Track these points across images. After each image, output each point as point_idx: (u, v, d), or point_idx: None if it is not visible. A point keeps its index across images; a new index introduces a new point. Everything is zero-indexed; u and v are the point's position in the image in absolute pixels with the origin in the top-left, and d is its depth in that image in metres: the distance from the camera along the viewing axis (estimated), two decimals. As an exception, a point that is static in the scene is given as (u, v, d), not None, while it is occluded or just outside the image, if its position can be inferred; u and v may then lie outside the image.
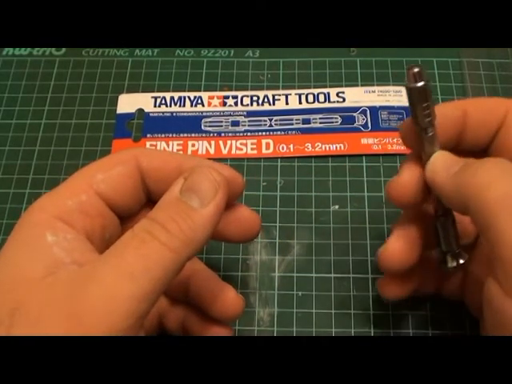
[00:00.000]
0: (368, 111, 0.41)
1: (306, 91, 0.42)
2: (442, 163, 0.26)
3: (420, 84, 0.24)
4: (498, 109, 0.27)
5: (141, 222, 0.22)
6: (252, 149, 0.40)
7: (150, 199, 0.27)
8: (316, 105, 0.41)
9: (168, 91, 0.42)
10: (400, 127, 0.28)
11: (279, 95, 0.42)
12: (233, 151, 0.40)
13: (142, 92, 0.42)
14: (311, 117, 0.41)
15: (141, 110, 0.42)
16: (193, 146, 0.40)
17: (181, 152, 0.39)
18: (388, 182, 0.28)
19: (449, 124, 0.27)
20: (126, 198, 0.25)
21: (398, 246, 0.28)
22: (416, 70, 0.24)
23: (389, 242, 0.29)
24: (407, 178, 0.27)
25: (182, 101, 0.42)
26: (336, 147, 0.39)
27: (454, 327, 0.33)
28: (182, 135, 0.40)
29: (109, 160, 0.26)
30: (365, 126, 0.40)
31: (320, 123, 0.40)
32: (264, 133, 0.40)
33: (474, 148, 0.28)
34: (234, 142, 0.40)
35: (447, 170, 0.25)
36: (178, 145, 0.40)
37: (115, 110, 0.41)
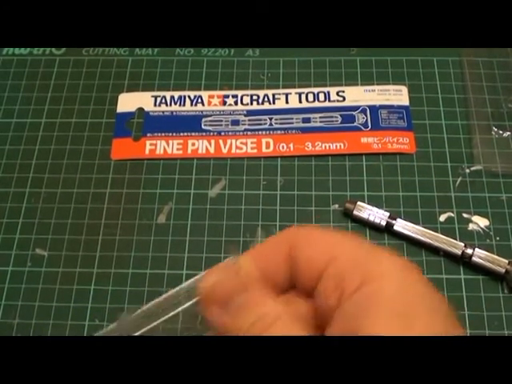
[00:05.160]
0: (368, 110, 0.41)
1: (306, 90, 0.42)
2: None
3: None
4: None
5: None
6: (252, 148, 0.40)
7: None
8: (316, 104, 0.41)
9: (168, 90, 0.42)
10: None
11: (279, 94, 0.42)
12: (233, 150, 0.40)
13: (142, 91, 0.42)
14: (311, 116, 0.41)
15: (141, 109, 0.42)
16: (193, 145, 0.40)
17: (178, 150, 0.40)
18: None
19: None
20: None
21: None
22: None
23: None
24: None
25: (182, 100, 0.42)
26: (336, 146, 0.39)
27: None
28: (182, 134, 0.40)
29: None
30: (365, 124, 0.40)
31: (320, 122, 0.40)
32: (264, 132, 0.40)
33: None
34: (233, 141, 0.40)
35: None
36: (177, 144, 0.40)
37: (115, 109, 0.41)
